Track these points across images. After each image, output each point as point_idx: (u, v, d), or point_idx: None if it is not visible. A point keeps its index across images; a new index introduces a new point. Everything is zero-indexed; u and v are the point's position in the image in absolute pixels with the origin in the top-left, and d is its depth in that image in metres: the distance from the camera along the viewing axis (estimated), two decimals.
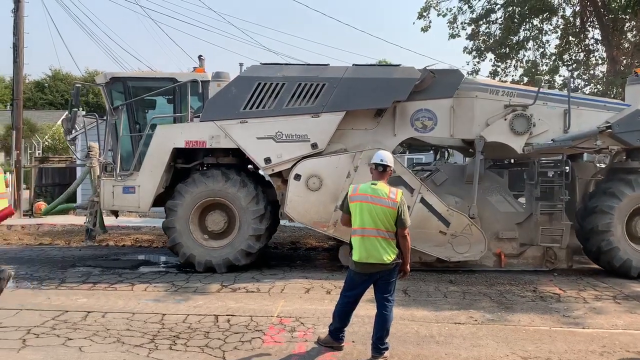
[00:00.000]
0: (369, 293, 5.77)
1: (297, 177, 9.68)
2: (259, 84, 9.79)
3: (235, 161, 10.27)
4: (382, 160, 5.63)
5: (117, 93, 10.83)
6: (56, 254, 12.03)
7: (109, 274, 9.69)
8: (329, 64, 10.07)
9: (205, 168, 10.40)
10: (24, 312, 7.24)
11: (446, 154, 12.85)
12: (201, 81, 10.18)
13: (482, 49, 22.90)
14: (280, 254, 12.36)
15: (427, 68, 9.77)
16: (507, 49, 22.49)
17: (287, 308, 7.52)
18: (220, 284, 8.87)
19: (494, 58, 23.07)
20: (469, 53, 23.23)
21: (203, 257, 9.90)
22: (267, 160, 9.77)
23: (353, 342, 6.12)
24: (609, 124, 9.87)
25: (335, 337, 5.84)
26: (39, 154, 30.10)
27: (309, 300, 8.00)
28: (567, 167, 10.33)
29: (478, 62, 23.43)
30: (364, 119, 10.02)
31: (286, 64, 10.22)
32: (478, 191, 9.92)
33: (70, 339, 6.18)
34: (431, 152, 13.30)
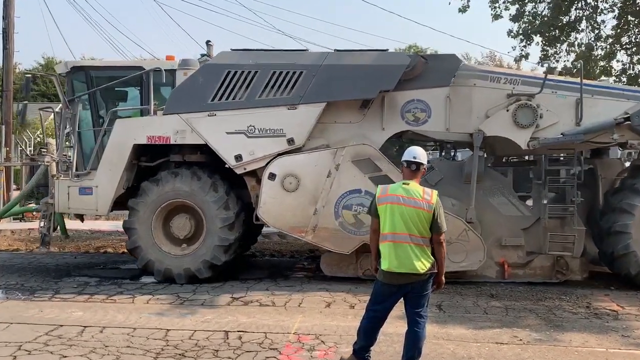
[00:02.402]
0: (398, 308, 5.67)
1: (272, 176, 9.54)
2: (229, 72, 9.65)
3: (205, 159, 10.12)
4: (414, 158, 5.55)
5: (79, 83, 10.81)
6: (49, 261, 12.05)
7: (107, 285, 9.69)
8: (307, 49, 10.03)
9: (177, 167, 10.28)
10: (14, 326, 7.24)
11: (452, 151, 12.61)
12: (165, 70, 10.03)
13: (529, 31, 22.10)
14: (298, 263, 12.27)
15: (418, 53, 9.71)
16: (557, 31, 21.67)
17: (306, 324, 7.46)
18: (231, 297, 8.84)
19: (542, 41, 22.23)
20: (514, 37, 22.49)
21: (162, 264, 9.78)
22: (238, 157, 9.63)
23: None
24: (627, 115, 9.54)
25: (360, 357, 5.75)
26: (30, 151, 30.32)
27: (330, 315, 7.93)
28: (579, 166, 10.00)
29: (525, 47, 22.66)
30: (347, 111, 9.84)
31: (259, 50, 10.09)
32: (478, 192, 9.70)
33: (65, 357, 6.17)
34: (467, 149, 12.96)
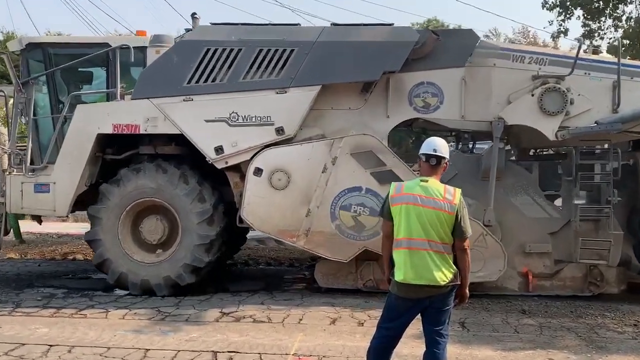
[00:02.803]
0: (415, 326, 5.36)
1: (258, 171, 8.89)
2: (208, 50, 9.02)
3: (181, 152, 9.46)
4: (435, 151, 5.22)
5: (36, 63, 10.18)
6: (9, 270, 11.52)
7: (76, 297, 9.26)
8: (299, 24, 9.41)
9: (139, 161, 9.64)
10: None
11: (471, 142, 11.87)
12: (134, 47, 9.30)
13: (568, 3, 20.91)
14: (298, 272, 11.78)
15: (429, 29, 9.24)
16: (602, 3, 20.49)
17: (307, 344, 7.12)
18: (220, 311, 8.45)
19: (584, 15, 21.04)
20: (550, 9, 21.27)
21: (137, 276, 9.16)
22: (219, 149, 8.98)
23: None
24: None
25: None
26: None
27: (336, 334, 7.57)
28: (616, 160, 9.33)
29: (563, 21, 21.52)
30: (346, 95, 9.24)
31: (243, 24, 9.44)
32: (498, 190, 9.06)
33: None
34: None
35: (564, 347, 7.12)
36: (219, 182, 9.49)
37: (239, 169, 9.15)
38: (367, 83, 9.16)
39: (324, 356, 6.68)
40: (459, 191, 5.16)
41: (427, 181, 5.16)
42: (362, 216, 8.74)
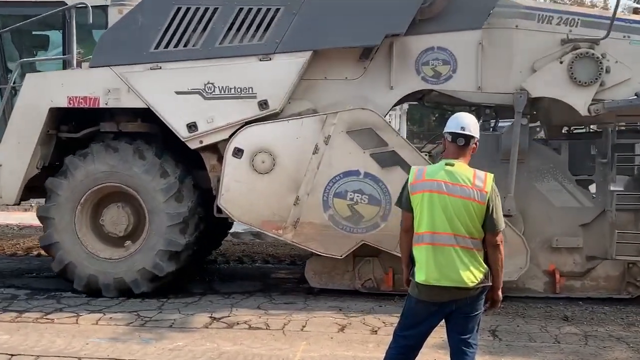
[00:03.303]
0: (438, 333, 5.23)
1: (238, 152, 8.41)
2: (179, 9, 8.50)
3: (150, 129, 8.93)
4: (463, 129, 4.95)
5: None
6: None
7: (41, 299, 8.86)
8: None
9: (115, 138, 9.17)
10: None
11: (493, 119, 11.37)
12: (93, 6, 8.68)
13: None
14: (300, 272, 11.34)
15: None
16: None
17: (312, 354, 6.88)
18: (210, 316, 8.10)
19: None
20: None
21: (109, 275, 8.69)
22: (192, 126, 8.47)
23: None
24: None
25: None
26: None
27: (345, 343, 7.24)
28: None
29: None
30: (342, 63, 8.78)
31: None
32: (520, 174, 8.58)
33: None
34: None
35: None
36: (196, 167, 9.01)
37: (217, 150, 8.69)
38: (366, 48, 8.66)
39: None
40: (490, 177, 4.89)
41: (453, 165, 4.87)
42: (360, 205, 8.33)
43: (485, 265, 4.90)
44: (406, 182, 5.12)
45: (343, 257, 8.46)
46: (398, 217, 8.19)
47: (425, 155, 9.10)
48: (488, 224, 4.85)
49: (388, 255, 8.23)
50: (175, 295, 8.93)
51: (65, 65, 9.13)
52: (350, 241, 8.33)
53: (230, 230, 11.82)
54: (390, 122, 22.64)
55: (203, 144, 8.52)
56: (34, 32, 9.66)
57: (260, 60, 8.46)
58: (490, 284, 4.94)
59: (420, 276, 4.89)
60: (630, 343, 7.31)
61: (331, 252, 8.46)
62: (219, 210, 8.64)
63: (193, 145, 8.53)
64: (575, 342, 7.35)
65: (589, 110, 8.36)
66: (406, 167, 8.27)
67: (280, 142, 8.43)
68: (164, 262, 8.59)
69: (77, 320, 7.91)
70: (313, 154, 8.35)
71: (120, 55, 8.55)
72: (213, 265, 11.05)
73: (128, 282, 8.59)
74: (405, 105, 17.89)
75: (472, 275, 4.82)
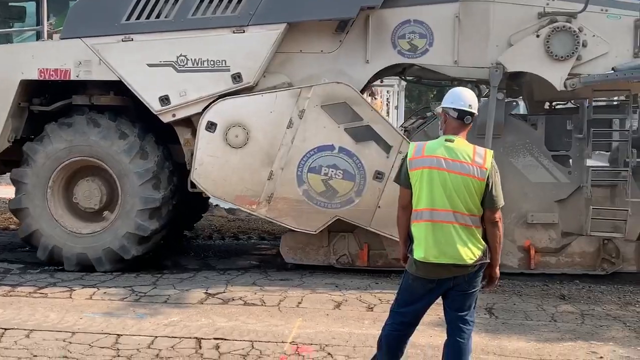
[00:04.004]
0: (434, 311, 5.35)
1: (211, 126, 8.38)
2: None
3: (122, 102, 8.90)
4: (471, 107, 4.96)
5: None
6: None
7: (35, 273, 8.87)
8: None
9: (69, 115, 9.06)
10: None
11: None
12: None
13: None
14: None
15: None
16: None
17: (307, 331, 6.88)
18: (205, 292, 8.15)
19: None
20: None
21: (72, 249, 8.65)
22: (165, 100, 8.43)
23: None
24: None
25: None
26: None
27: (340, 319, 7.30)
28: (636, 114, 8.88)
29: None
30: (317, 36, 8.74)
31: None
32: (496, 149, 8.23)
33: None
34: None
35: (609, 339, 6.85)
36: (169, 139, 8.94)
37: (190, 123, 8.66)
38: (342, 21, 8.58)
39: (326, 345, 6.44)
40: (490, 153, 4.90)
41: (453, 141, 4.86)
42: (334, 180, 8.33)
43: (484, 242, 4.93)
44: (404, 158, 5.12)
45: (317, 232, 8.49)
46: (372, 192, 8.26)
47: (401, 130, 8.95)
48: (487, 200, 4.87)
49: (363, 230, 8.26)
50: (170, 271, 8.98)
51: (37, 37, 9.06)
52: (325, 216, 8.34)
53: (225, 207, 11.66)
54: (388, 98, 22.48)
55: (176, 118, 8.52)
56: (10, 3, 9.58)
57: (234, 32, 8.40)
58: (488, 261, 4.98)
59: (418, 253, 4.91)
60: (627, 322, 7.35)
61: (305, 228, 8.47)
62: (193, 185, 8.62)
63: (166, 118, 8.50)
64: (571, 321, 7.41)
65: (565, 85, 8.34)
66: (381, 142, 8.37)
67: (254, 116, 8.41)
68: (131, 245, 8.62)
69: (70, 295, 7.96)
70: (287, 128, 8.33)
71: (91, 26, 8.50)
72: (208, 242, 11.12)
73: (117, 250, 8.60)
74: (404, 82, 17.80)
75: (470, 252, 4.84)
